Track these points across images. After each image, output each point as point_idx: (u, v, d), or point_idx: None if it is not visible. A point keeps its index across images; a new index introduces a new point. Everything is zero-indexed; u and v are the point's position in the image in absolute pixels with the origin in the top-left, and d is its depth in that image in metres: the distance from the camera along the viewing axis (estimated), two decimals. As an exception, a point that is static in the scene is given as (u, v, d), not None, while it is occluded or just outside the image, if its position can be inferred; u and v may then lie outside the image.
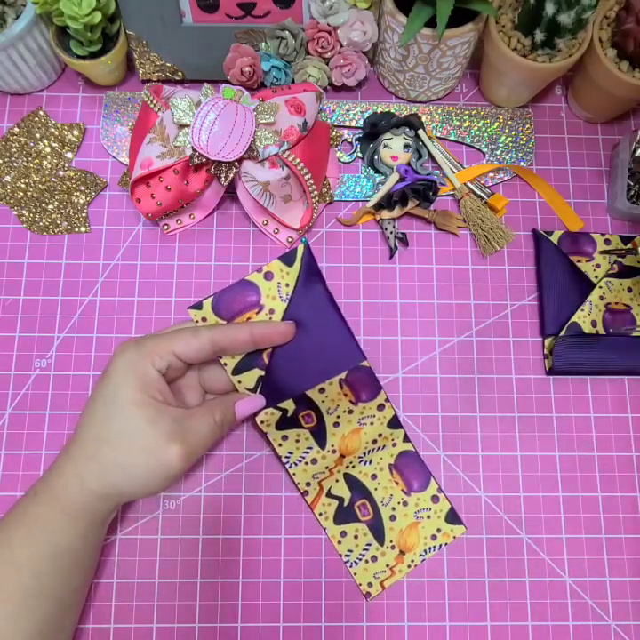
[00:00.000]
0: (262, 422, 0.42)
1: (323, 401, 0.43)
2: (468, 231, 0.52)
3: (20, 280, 0.50)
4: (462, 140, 0.54)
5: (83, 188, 0.52)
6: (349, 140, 0.54)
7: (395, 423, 0.46)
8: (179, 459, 0.36)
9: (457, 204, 0.52)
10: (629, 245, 0.51)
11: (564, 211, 0.53)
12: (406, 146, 0.51)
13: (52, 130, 0.53)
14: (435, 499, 0.46)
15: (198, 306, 0.41)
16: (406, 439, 0.47)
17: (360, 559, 0.44)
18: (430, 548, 0.45)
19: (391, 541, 0.45)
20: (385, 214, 0.50)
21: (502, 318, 0.50)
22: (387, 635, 0.44)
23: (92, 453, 0.37)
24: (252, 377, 0.42)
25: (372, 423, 0.45)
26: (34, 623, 0.35)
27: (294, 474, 0.44)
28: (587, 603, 0.45)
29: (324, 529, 0.45)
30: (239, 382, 0.42)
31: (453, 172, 0.52)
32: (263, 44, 0.51)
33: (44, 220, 0.51)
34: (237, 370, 0.42)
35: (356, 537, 0.45)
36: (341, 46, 0.51)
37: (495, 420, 0.48)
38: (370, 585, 0.44)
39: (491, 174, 0.53)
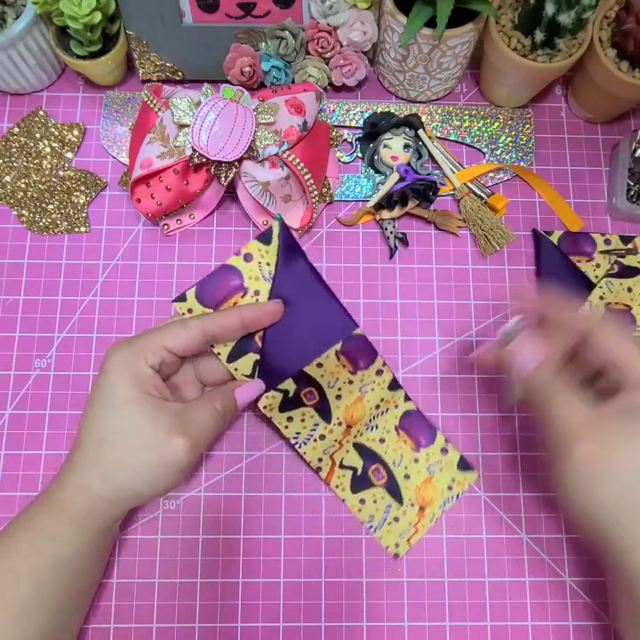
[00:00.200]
0: (265, 407, 0.42)
1: (322, 375, 0.43)
2: (468, 231, 0.52)
3: (19, 280, 0.50)
4: (462, 140, 0.54)
5: (83, 188, 0.52)
6: (349, 140, 0.54)
7: (394, 385, 0.46)
8: (184, 451, 0.36)
9: (457, 204, 0.52)
10: (629, 245, 0.51)
11: (564, 211, 0.53)
12: (406, 146, 0.51)
13: (52, 130, 0.53)
14: (444, 451, 0.47)
15: (182, 298, 0.40)
16: (407, 399, 0.47)
17: (383, 522, 0.45)
18: (449, 499, 0.46)
19: (410, 499, 0.46)
20: (385, 214, 0.51)
21: (502, 318, 0.50)
22: (387, 635, 0.44)
23: (94, 459, 0.36)
24: (247, 362, 0.42)
25: (373, 389, 0.45)
26: (34, 632, 0.35)
27: (305, 453, 0.44)
28: (587, 603, 0.45)
29: (343, 500, 0.45)
30: (235, 370, 0.42)
31: (453, 172, 0.52)
32: (263, 43, 0.51)
33: (44, 220, 0.51)
34: (232, 357, 0.41)
35: (374, 502, 0.45)
36: (341, 46, 0.51)
37: (495, 420, 0.48)
38: (397, 545, 0.45)
39: (491, 174, 0.53)
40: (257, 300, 0.41)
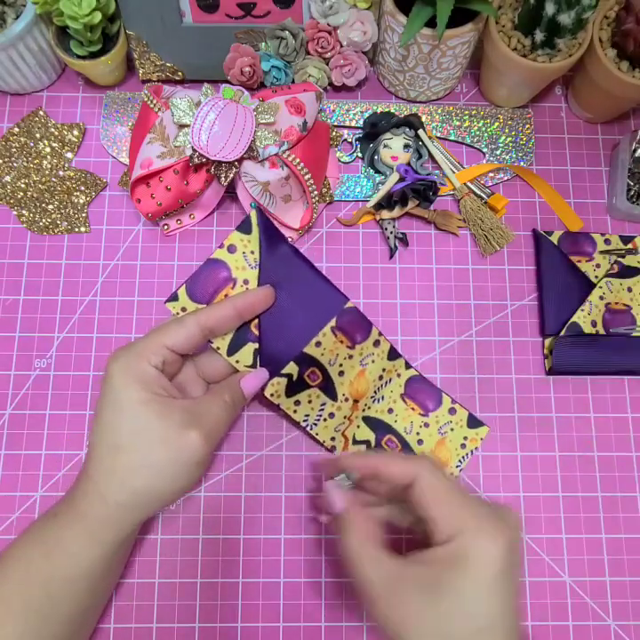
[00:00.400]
0: (272, 394, 0.42)
1: (322, 354, 0.43)
2: (468, 231, 0.52)
3: (20, 280, 0.50)
4: (462, 140, 0.54)
5: (83, 188, 0.52)
6: (349, 140, 0.54)
7: (394, 354, 0.47)
8: (199, 442, 0.36)
9: (457, 204, 0.52)
10: (629, 245, 0.51)
11: (564, 211, 0.53)
12: (406, 146, 0.51)
13: (52, 130, 0.53)
14: (452, 411, 0.47)
15: (174, 297, 0.41)
16: (408, 366, 0.48)
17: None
18: (464, 457, 0.47)
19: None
20: (385, 214, 0.51)
21: (502, 318, 0.50)
22: (387, 635, 0.44)
23: (109, 467, 0.36)
24: (247, 353, 0.42)
25: (373, 361, 0.46)
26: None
27: (317, 434, 0.45)
28: (587, 603, 0.45)
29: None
30: (237, 362, 0.42)
31: (453, 172, 0.52)
32: (263, 44, 0.51)
33: (44, 220, 0.51)
34: (231, 350, 0.42)
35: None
36: (341, 46, 0.51)
37: (495, 420, 0.48)
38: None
39: (491, 174, 0.53)
40: (246, 288, 0.42)
